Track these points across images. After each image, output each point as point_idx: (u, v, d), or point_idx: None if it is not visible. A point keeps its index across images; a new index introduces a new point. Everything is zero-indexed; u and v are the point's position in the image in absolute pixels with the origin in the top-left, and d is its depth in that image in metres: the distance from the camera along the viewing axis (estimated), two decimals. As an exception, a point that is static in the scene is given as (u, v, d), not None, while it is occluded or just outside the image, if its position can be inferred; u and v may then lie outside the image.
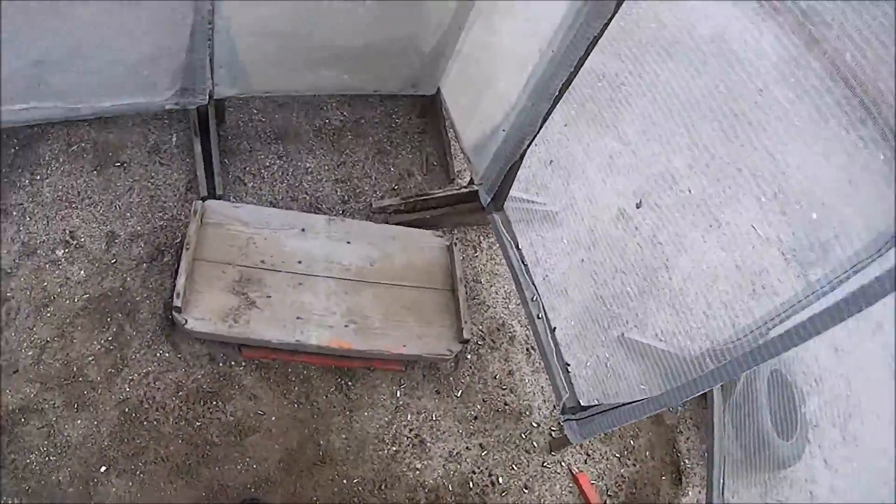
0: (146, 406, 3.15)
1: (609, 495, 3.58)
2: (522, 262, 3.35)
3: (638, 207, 3.90)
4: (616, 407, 2.91)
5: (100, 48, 3.07)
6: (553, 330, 3.24)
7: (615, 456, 3.70)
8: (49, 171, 3.53)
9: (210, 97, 3.47)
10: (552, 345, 3.22)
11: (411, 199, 3.83)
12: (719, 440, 3.30)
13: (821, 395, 3.40)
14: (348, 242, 3.39)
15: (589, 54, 2.72)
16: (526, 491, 3.44)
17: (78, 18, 2.92)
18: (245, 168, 3.81)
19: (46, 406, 3.11)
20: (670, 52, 4.32)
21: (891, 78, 2.78)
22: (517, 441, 3.53)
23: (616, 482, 3.63)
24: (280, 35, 3.24)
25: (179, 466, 3.09)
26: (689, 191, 4.26)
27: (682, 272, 3.97)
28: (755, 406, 3.33)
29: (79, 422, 3.10)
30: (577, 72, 2.80)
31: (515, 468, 3.47)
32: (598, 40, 2.64)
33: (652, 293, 3.74)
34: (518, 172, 3.31)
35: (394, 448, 3.30)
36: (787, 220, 4.38)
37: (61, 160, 3.59)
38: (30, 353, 3.17)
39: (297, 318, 3.13)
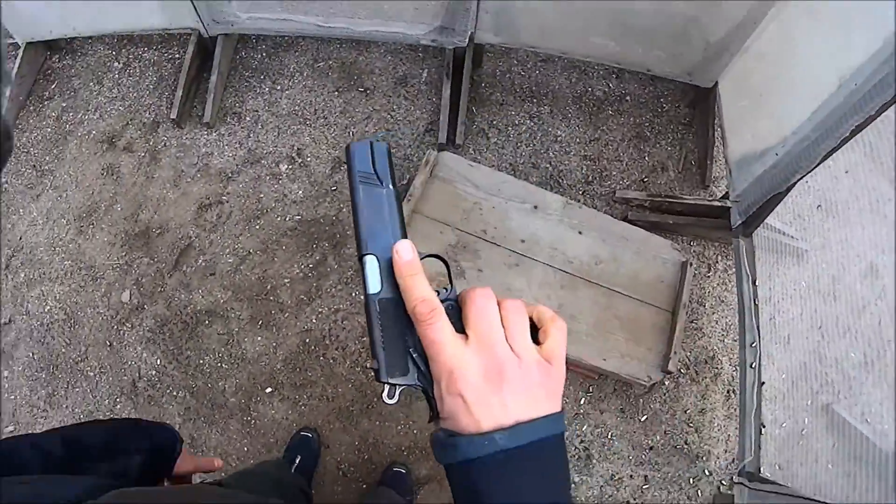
0: (327, 342, 3.09)
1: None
2: (754, 300, 3.03)
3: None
4: (794, 496, 2.61)
5: None
6: (762, 384, 2.94)
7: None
8: (291, 84, 3.50)
9: (470, 40, 3.28)
10: (755, 400, 2.92)
11: (658, 199, 3.52)
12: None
13: None
14: (580, 232, 3.12)
15: (897, 101, 2.33)
16: (671, 536, 3.20)
17: None
18: (492, 121, 3.62)
19: (232, 315, 3.11)
20: None
21: None
22: (683, 484, 3.25)
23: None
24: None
25: (342, 410, 3.03)
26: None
27: (915, 352, 3.62)
28: None
29: (259, 338, 3.09)
30: (877, 117, 2.40)
31: (672, 510, 3.22)
32: None
33: (875, 365, 3.40)
34: (781, 201, 2.96)
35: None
36: None
37: (305, 74, 3.54)
38: (230, 261, 3.16)
39: (504, 299, 2.91)
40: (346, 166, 0.86)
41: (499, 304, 0.85)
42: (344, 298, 3.12)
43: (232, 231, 3.22)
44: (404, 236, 0.87)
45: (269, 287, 3.14)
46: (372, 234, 0.86)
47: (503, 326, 0.84)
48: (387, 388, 0.83)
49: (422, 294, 0.83)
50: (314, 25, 3.15)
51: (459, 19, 3.16)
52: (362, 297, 0.83)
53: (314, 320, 3.11)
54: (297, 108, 3.44)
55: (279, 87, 3.48)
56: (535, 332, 0.87)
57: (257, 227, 3.21)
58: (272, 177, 3.29)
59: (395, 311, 0.84)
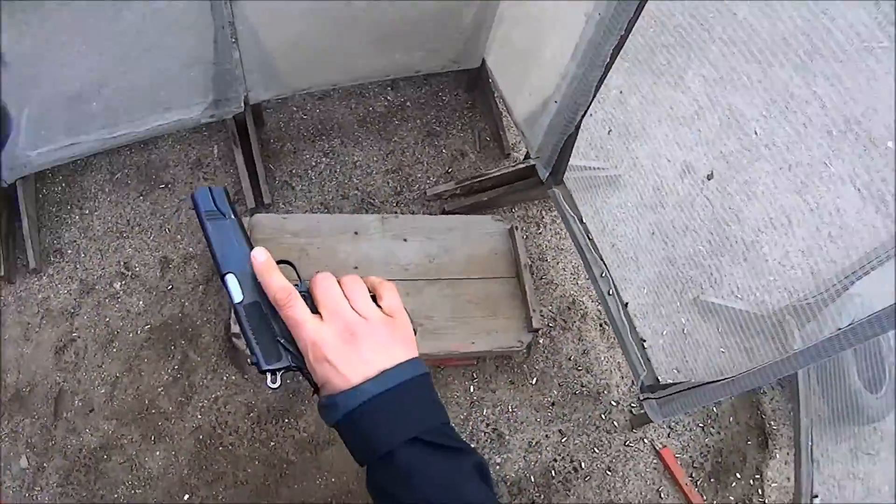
0: (219, 431, 3.11)
1: (695, 467, 3.46)
2: (588, 236, 3.19)
3: (709, 179, 3.71)
4: (697, 386, 2.76)
5: (128, 71, 2.99)
6: (625, 305, 3.09)
7: (698, 426, 3.56)
8: (97, 204, 3.50)
9: (245, 103, 3.36)
10: (625, 322, 3.07)
11: (466, 182, 3.67)
12: (805, 399, 3.17)
13: None
14: (405, 240, 3.24)
15: (639, 16, 2.52)
16: (609, 473, 3.32)
17: (105, 45, 2.85)
18: (291, 171, 3.70)
19: (125, 441, 3.11)
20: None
21: None
22: (597, 422, 3.41)
23: (701, 452, 3.50)
24: (308, 28, 3.11)
25: (259, 488, 3.04)
26: (756, 133, 4.05)
27: (754, 222, 3.80)
28: (841, 362, 3.19)
29: (158, 453, 3.09)
30: (629, 34, 2.61)
31: (597, 450, 3.35)
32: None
33: (725, 248, 3.59)
34: (575, 140, 3.13)
35: (472, 445, 3.18)
36: (860, 152, 4.15)
37: (107, 190, 3.55)
38: (102, 391, 3.15)
39: (361, 326, 3.00)
40: (195, 216, 1.08)
41: (339, 281, 1.06)
42: (218, 385, 3.15)
43: (93, 363, 3.20)
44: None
45: (146, 402, 3.14)
46: (225, 257, 1.06)
47: (346, 297, 1.03)
48: (269, 375, 1.01)
49: (279, 284, 1.03)
50: (100, 140, 3.17)
51: (229, 87, 3.22)
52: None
53: (199, 416, 3.12)
54: (110, 225, 3.44)
55: (87, 211, 3.48)
56: (374, 300, 1.05)
57: (114, 350, 3.21)
58: (111, 298, 3.29)
59: (259, 312, 1.04)
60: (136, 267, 3.35)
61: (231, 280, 1.05)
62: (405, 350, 1.03)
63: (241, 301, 1.04)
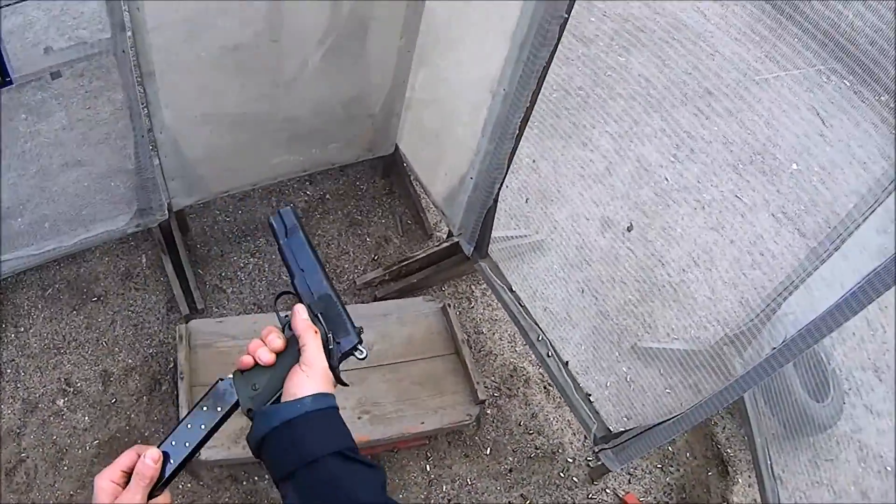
0: (184, 538, 3.07)
1: (661, 507, 3.50)
2: (519, 303, 3.27)
3: (629, 231, 3.83)
4: (649, 429, 2.80)
5: (49, 186, 3.02)
6: (566, 364, 3.16)
7: (657, 467, 3.62)
8: (31, 321, 3.46)
9: (169, 210, 3.38)
10: (568, 380, 3.13)
11: (394, 267, 3.74)
12: (756, 421, 3.24)
13: (844, 343, 3.36)
14: (342, 328, 3.27)
15: (541, 86, 2.64)
16: (578, 527, 3.35)
17: (24, 161, 2.89)
18: (221, 274, 3.72)
19: (85, 562, 3.05)
20: (629, 48, 4.25)
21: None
22: (557, 481, 3.44)
23: (664, 492, 3.56)
24: (224, 132, 3.16)
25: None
26: (667, 179, 4.22)
27: (677, 263, 3.93)
28: (784, 378, 3.28)
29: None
30: (534, 106, 2.71)
31: (562, 508, 3.38)
32: (547, 70, 2.54)
33: (654, 294, 3.69)
34: (496, 213, 3.22)
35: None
36: (768, 179, 4.34)
37: (40, 307, 3.51)
38: (58, 511, 3.10)
39: (306, 421, 3.00)
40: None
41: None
42: (174, 494, 3.03)
43: (45, 482, 3.14)
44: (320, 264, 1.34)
45: None
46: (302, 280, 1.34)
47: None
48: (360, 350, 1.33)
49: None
50: (28, 257, 3.15)
51: (152, 196, 3.23)
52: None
53: None
54: (46, 341, 3.40)
55: (22, 328, 3.44)
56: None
57: (65, 468, 3.15)
58: (55, 416, 3.24)
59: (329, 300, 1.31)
60: (77, 382, 3.32)
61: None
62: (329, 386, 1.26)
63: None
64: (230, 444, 2.90)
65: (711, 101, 3.87)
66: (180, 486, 3.12)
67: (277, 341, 1.31)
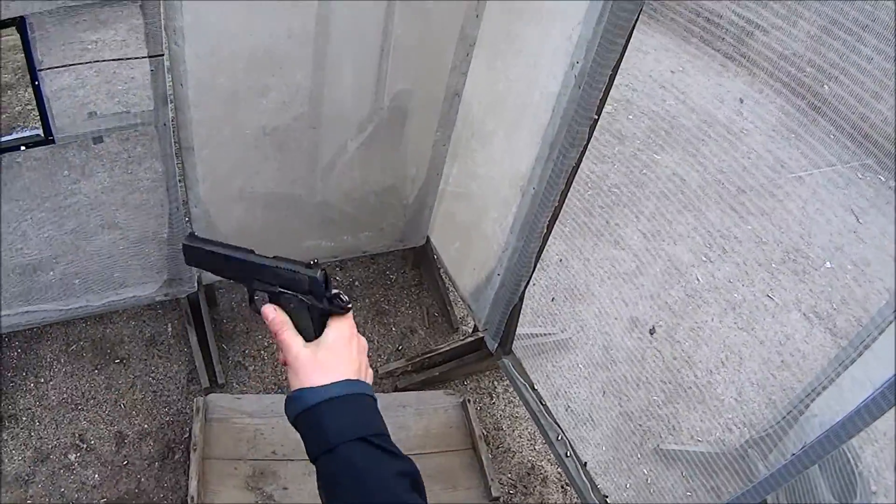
0: None
1: None
2: (541, 401, 3.24)
3: (652, 334, 3.80)
4: None
5: (83, 245, 3.07)
6: (584, 465, 3.11)
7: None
8: (52, 374, 3.50)
9: (198, 283, 3.42)
10: (586, 481, 3.08)
11: (417, 359, 3.74)
12: (781, 529, 3.16)
13: (874, 444, 3.28)
14: (358, 415, 3.25)
15: (570, 186, 2.65)
16: None
17: (61, 216, 2.95)
18: (244, 351, 3.74)
19: None
20: (663, 146, 4.28)
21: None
22: (568, 586, 3.36)
23: None
24: (258, 211, 3.22)
25: None
26: (698, 279, 4.20)
27: (704, 365, 3.88)
28: (809, 481, 3.20)
29: None
30: (563, 205, 2.73)
31: None
32: (577, 169, 2.57)
33: (679, 395, 3.64)
34: (521, 310, 3.21)
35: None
36: (800, 278, 4.30)
37: (62, 361, 3.55)
38: (60, 570, 3.08)
39: (316, 506, 2.96)
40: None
41: None
42: None
43: (48, 534, 3.15)
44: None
45: None
46: None
47: None
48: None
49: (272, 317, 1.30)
50: (56, 311, 3.19)
51: (182, 267, 3.28)
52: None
53: None
54: (65, 395, 3.42)
55: (43, 380, 3.47)
56: None
57: (71, 522, 3.16)
58: (65, 469, 3.24)
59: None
60: (91, 440, 3.32)
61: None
62: (361, 373, 1.29)
63: None
64: None
65: (745, 199, 3.87)
66: None
67: (280, 355, 1.30)
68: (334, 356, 1.25)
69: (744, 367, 3.92)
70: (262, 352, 3.76)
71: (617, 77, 2.34)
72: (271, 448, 3.10)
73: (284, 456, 3.08)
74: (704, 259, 4.18)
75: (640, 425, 3.40)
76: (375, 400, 1.31)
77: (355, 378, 1.26)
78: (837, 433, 2.06)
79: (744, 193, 3.86)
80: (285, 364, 1.27)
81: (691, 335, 3.91)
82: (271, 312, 1.27)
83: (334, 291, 1.27)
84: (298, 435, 1.23)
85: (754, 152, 4.23)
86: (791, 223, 4.22)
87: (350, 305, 1.29)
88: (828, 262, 4.31)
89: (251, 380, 3.65)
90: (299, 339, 1.25)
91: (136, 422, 3.41)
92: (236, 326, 3.81)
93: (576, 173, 2.59)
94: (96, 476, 3.25)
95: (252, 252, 1.31)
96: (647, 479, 3.26)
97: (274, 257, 1.29)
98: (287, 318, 1.27)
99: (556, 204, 2.69)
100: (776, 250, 4.23)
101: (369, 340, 3.92)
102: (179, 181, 2.94)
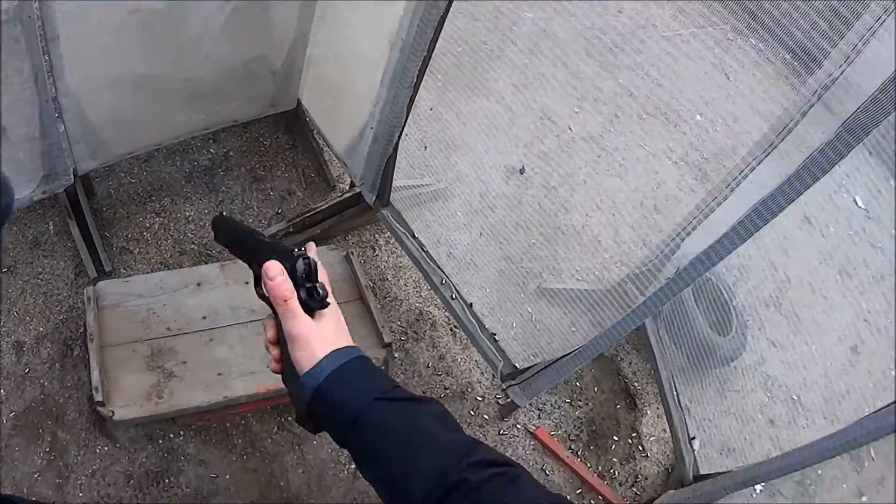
0: (104, 506, 3.10)
1: (572, 440, 3.66)
2: (422, 249, 3.35)
3: (521, 173, 3.94)
4: (554, 362, 2.95)
5: None
6: (470, 305, 3.27)
7: (566, 402, 3.77)
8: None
9: (74, 175, 3.39)
10: (473, 321, 3.24)
11: (297, 219, 3.79)
12: (661, 356, 3.39)
13: (748, 282, 3.52)
14: (246, 283, 3.29)
15: (438, 36, 2.71)
16: (492, 464, 3.49)
17: None
18: (127, 236, 3.73)
19: (13, 538, 3.05)
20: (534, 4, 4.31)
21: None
22: (468, 419, 3.57)
23: (574, 425, 3.72)
24: (128, 94, 3.16)
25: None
26: (570, 129, 4.35)
27: (581, 209, 4.06)
28: (687, 313, 3.43)
29: (44, 543, 3.04)
30: (431, 55, 2.78)
31: (475, 445, 3.51)
32: (444, 19, 2.63)
33: (558, 237, 3.81)
34: (396, 162, 3.30)
35: (352, 465, 3.30)
36: (670, 128, 4.51)
37: (-47, 282, 3.49)
38: (-23, 487, 3.10)
39: (218, 374, 3.07)
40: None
41: None
42: (92, 459, 3.09)
43: (-43, 458, 3.16)
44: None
45: (24, 490, 3.01)
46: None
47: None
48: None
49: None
50: None
51: (58, 161, 3.21)
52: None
53: (80, 494, 3.05)
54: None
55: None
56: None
57: (-19, 442, 3.17)
58: (-31, 387, 3.26)
59: None
60: (-11, 352, 3.31)
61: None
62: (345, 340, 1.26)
63: None
64: (142, 402, 2.96)
65: (619, 55, 3.98)
66: (97, 451, 3.15)
67: (270, 332, 1.31)
68: (334, 325, 1.28)
69: (619, 211, 4.12)
70: (145, 233, 3.76)
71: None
72: (165, 325, 3.16)
73: (179, 330, 3.15)
74: (578, 111, 4.32)
75: (522, 267, 3.55)
76: (368, 358, 1.27)
77: (343, 346, 1.24)
78: (702, 260, 2.26)
79: (615, 50, 3.97)
80: (275, 343, 1.27)
81: (567, 181, 4.07)
82: (279, 274, 1.23)
83: (312, 285, 1.26)
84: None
85: (624, 11, 4.32)
86: (661, 79, 4.36)
87: (329, 303, 1.29)
88: (698, 115, 4.50)
89: (137, 263, 3.66)
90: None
91: (31, 327, 3.38)
92: (116, 212, 3.78)
93: (443, 24, 2.63)
94: (1, 391, 3.25)
95: (255, 234, 1.39)
96: (532, 317, 3.42)
97: (270, 237, 1.31)
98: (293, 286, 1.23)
99: (426, 54, 2.74)
100: (647, 103, 4.39)
101: (248, 208, 3.99)
102: (48, 74, 2.89)
